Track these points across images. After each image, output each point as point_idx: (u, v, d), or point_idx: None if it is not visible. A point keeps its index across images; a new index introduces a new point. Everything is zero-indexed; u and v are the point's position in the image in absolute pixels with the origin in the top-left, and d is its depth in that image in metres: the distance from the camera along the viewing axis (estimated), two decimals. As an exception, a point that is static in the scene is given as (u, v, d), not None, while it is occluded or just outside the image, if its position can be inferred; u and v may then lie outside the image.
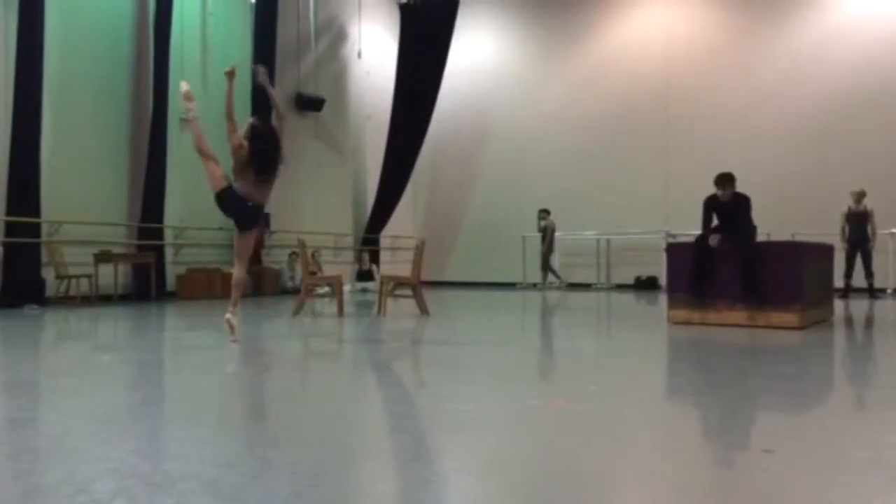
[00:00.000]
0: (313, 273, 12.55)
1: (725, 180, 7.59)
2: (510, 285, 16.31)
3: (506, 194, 16.86)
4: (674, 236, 13.19)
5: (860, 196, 11.97)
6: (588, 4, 16.35)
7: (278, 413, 3.72)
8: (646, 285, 15.10)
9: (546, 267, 15.20)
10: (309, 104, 15.01)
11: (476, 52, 17.59)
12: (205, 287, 12.12)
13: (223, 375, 4.89)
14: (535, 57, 17.05)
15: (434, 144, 17.36)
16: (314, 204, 15.11)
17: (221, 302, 11.57)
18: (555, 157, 16.41)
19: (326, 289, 12.26)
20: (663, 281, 9.33)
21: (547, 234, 15.04)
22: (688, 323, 7.53)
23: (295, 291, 12.46)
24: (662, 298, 8.42)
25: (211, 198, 6.05)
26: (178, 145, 11.94)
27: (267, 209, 13.84)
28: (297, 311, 8.88)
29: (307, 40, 15.25)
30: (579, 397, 3.93)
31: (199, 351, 6.08)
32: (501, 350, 6.10)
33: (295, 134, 14.90)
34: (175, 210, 12.27)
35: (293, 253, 13.35)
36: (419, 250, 9.23)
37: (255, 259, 13.29)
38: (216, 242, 12.91)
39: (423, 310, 8.85)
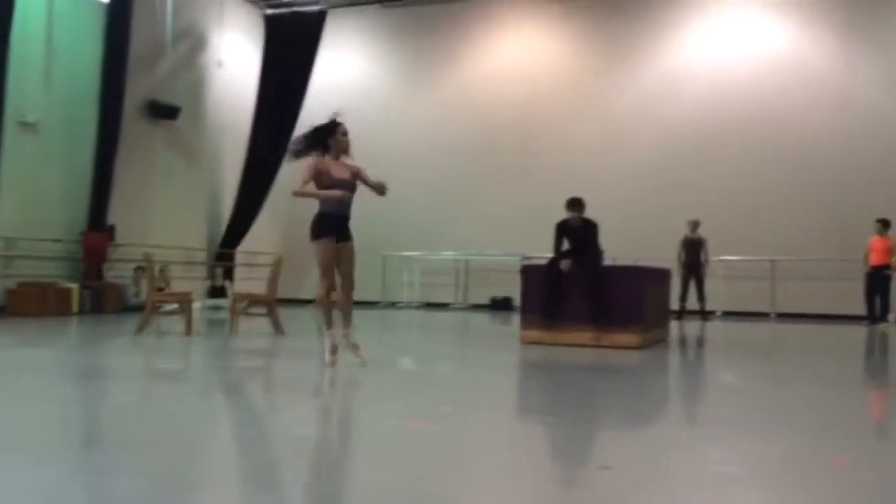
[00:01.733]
0: (161, 289, 11.94)
1: (575, 204, 7.95)
2: (371, 304, 16.26)
3: (369, 213, 16.79)
4: (529, 258, 13.64)
5: (695, 225, 12.92)
6: (455, 31, 16.71)
7: (110, 439, 3.49)
8: (501, 306, 15.51)
9: None
10: (163, 112, 14.36)
11: (343, 70, 17.51)
12: (38, 303, 11.24)
13: (52, 398, 4.53)
14: (402, 78, 17.21)
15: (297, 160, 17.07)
16: (165, 216, 14.42)
17: (56, 319, 10.79)
18: (418, 178, 16.58)
19: (174, 306, 11.68)
20: (518, 302, 9.68)
21: None
22: (539, 343, 7.78)
23: (140, 308, 11.80)
24: (516, 319, 8.69)
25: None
26: (14, 150, 11.04)
27: (112, 220, 13.26)
28: (140, 330, 8.41)
29: (163, 45, 14.60)
30: (432, 417, 3.95)
31: (26, 371, 5.61)
32: (364, 371, 6.05)
33: (146, 143, 14.19)
34: (8, 219, 11.32)
35: (139, 267, 12.66)
36: (276, 267, 9.01)
37: (97, 274, 12.50)
38: (53, 255, 12.02)
39: (278, 329, 8.63)
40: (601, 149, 15.32)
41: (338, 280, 5.85)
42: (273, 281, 8.89)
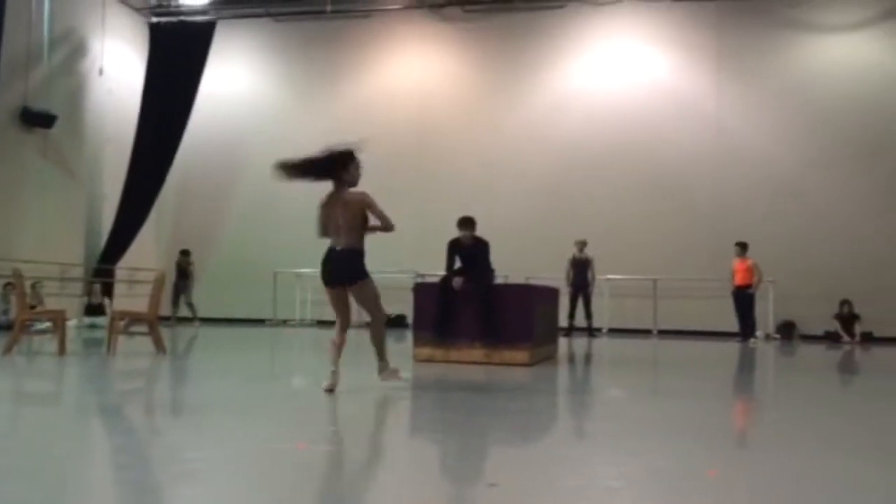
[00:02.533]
0: (33, 307, 11.25)
1: (466, 223, 8.05)
2: (260, 321, 15.85)
3: (258, 229, 16.43)
4: (423, 276, 13.68)
5: (583, 245, 13.38)
6: (349, 47, 16.63)
7: (-30, 470, 3.22)
8: (394, 323, 15.45)
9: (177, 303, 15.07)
10: (37, 120, 13.56)
11: (233, 82, 17.09)
12: None
13: None
14: (294, 92, 16.96)
15: (183, 173, 16.49)
16: (38, 230, 13.58)
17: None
18: (310, 195, 16.36)
19: (47, 324, 10.99)
20: (411, 319, 9.69)
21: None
22: (431, 360, 7.80)
23: (8, 327, 11.03)
24: (410, 336, 8.68)
25: None
26: None
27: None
28: (8, 350, 7.85)
29: (39, 50, 13.83)
30: (317, 438, 3.87)
31: None
32: (243, 390, 5.87)
33: (18, 151, 13.36)
34: None
35: (8, 284, 11.85)
36: (158, 284, 8.64)
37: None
38: None
39: (160, 348, 8.26)
40: (494, 169, 15.61)
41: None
42: (155, 298, 8.52)
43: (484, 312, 7.68)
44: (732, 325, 12.95)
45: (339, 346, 5.66)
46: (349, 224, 5.69)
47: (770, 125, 14.56)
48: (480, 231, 8.23)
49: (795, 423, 4.87)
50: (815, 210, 14.01)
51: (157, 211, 16.27)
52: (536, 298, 8.00)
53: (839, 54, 14.50)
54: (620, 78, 15.44)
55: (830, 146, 14.16)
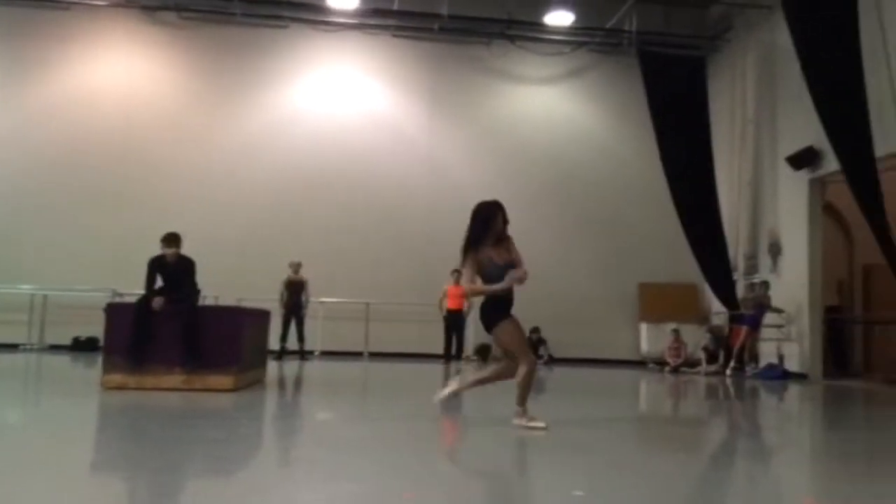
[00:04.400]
0: None
1: (171, 240, 7.54)
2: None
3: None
4: (121, 295, 12.55)
5: (297, 267, 13.22)
6: (44, 39, 14.86)
7: None
8: (85, 346, 13.98)
9: None
10: None
11: None
12: None
13: None
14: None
15: None
16: None
17: None
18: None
19: None
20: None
21: None
22: (124, 388, 7.10)
23: None
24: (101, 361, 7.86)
25: None
26: None
27: None
28: None
29: None
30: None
31: None
32: None
33: None
34: None
35: None
36: None
37: None
38: None
39: None
40: (207, 184, 14.90)
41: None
42: None
43: (186, 335, 7.20)
44: (438, 347, 13.65)
45: None
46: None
47: (474, 163, 15.68)
48: (188, 248, 7.75)
49: (498, 439, 5.18)
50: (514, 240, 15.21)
51: None
52: (244, 320, 7.69)
53: (535, 105, 16.13)
54: (340, 104, 15.64)
55: (525, 188, 15.54)
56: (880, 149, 10.35)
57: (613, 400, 8.95)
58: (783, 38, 11.81)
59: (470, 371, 12.27)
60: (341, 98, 15.70)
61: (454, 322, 13.47)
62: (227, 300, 11.60)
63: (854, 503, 3.63)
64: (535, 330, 14.78)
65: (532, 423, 5.25)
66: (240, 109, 15.41)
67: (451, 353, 13.51)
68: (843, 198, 11.67)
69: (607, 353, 15.14)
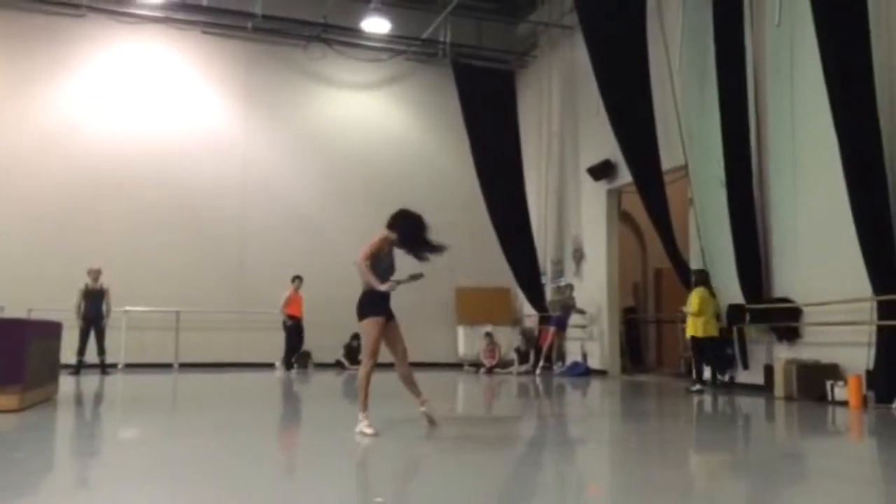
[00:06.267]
0: None
1: None
2: None
3: None
4: None
5: (97, 274, 12.26)
6: None
7: None
8: None
9: None
10: None
11: None
12: None
13: None
14: None
15: None
16: None
17: None
18: None
19: None
20: None
21: None
22: None
23: None
24: None
25: None
26: None
27: None
28: None
29: None
30: None
31: None
32: None
33: None
34: None
35: None
36: None
37: None
38: None
39: None
40: (-7, 185, 13.48)
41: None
42: None
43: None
44: (252, 355, 13.28)
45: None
46: None
47: (291, 163, 15.42)
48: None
49: (318, 446, 5.09)
50: (329, 247, 14.94)
51: None
52: (30, 333, 7.01)
53: (353, 109, 16.13)
54: (146, 99, 14.75)
55: (341, 192, 15.53)
56: (666, 162, 11.37)
57: (431, 401, 9.10)
58: (583, 57, 12.66)
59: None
60: (149, 94, 14.81)
61: (295, 329, 13.49)
62: (17, 311, 10.60)
63: (631, 489, 3.95)
64: (356, 336, 14.76)
65: (366, 429, 5.31)
66: (28, 103, 14.06)
67: (292, 361, 13.57)
68: (638, 206, 12.69)
69: (426, 356, 15.31)
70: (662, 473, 4.39)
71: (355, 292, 5.76)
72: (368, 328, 5.50)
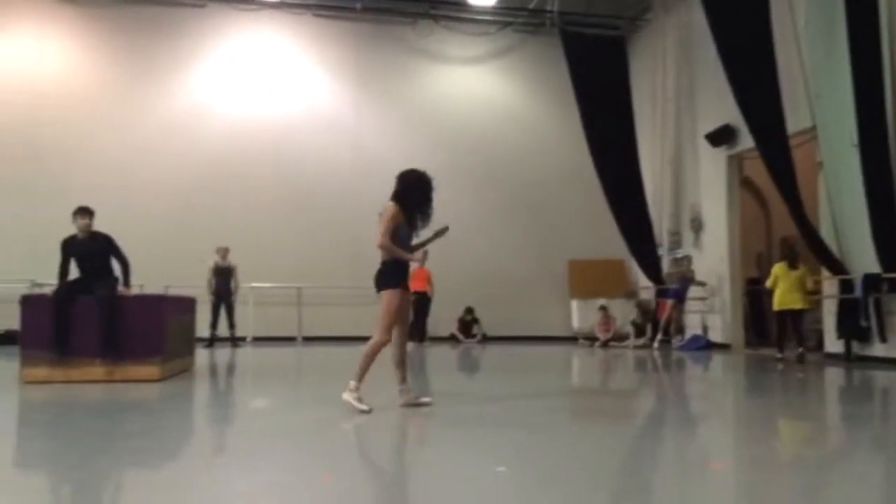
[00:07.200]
0: None
1: (81, 211, 7.37)
2: None
3: None
4: (40, 286, 12.10)
5: (225, 252, 12.98)
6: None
7: None
8: (5, 340, 13.45)
9: None
10: None
11: None
12: None
13: None
14: None
15: None
16: None
17: None
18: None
19: None
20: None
21: None
22: (47, 382, 6.89)
23: None
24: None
25: None
26: None
27: None
28: None
29: None
30: None
31: None
32: None
33: None
34: None
35: None
36: None
37: None
38: None
39: None
40: (126, 169, 14.42)
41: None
42: None
43: (104, 326, 6.99)
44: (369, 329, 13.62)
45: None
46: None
47: (401, 142, 15.60)
48: (120, 238, 7.55)
49: (423, 418, 5.22)
50: (440, 220, 15.17)
51: None
52: (168, 309, 7.53)
53: (461, 84, 16.15)
54: (264, 85, 15.34)
55: (453, 169, 15.51)
56: (792, 125, 10.76)
57: (544, 375, 9.13)
58: (700, 18, 12.11)
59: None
60: (264, 79, 15.39)
61: (419, 304, 13.64)
62: (155, 289, 11.34)
63: (758, 465, 3.82)
64: (469, 310, 14.94)
65: (359, 405, 5.12)
66: (157, 92, 14.94)
67: (417, 336, 13.72)
68: (761, 173, 12.11)
69: (539, 330, 15.40)
70: (789, 450, 4.23)
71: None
72: (389, 299, 5.28)
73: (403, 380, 5.49)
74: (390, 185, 5.71)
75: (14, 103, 14.23)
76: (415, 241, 5.59)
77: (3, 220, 13.93)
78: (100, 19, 14.77)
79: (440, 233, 5.61)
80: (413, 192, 5.50)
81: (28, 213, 13.92)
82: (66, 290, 7.17)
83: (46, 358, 6.99)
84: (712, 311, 13.50)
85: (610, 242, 15.22)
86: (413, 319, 14.09)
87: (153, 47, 14.85)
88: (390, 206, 5.42)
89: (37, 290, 11.50)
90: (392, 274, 5.35)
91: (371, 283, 5.42)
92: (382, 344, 5.30)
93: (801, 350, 10.02)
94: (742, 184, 13.55)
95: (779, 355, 10.22)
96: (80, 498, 3.13)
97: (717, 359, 11.32)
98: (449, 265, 14.93)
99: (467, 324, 14.98)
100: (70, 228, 7.59)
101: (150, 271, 12.63)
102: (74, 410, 5.61)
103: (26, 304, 7.32)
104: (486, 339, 14.88)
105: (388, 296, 5.29)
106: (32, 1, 14.59)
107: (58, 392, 6.46)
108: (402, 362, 5.52)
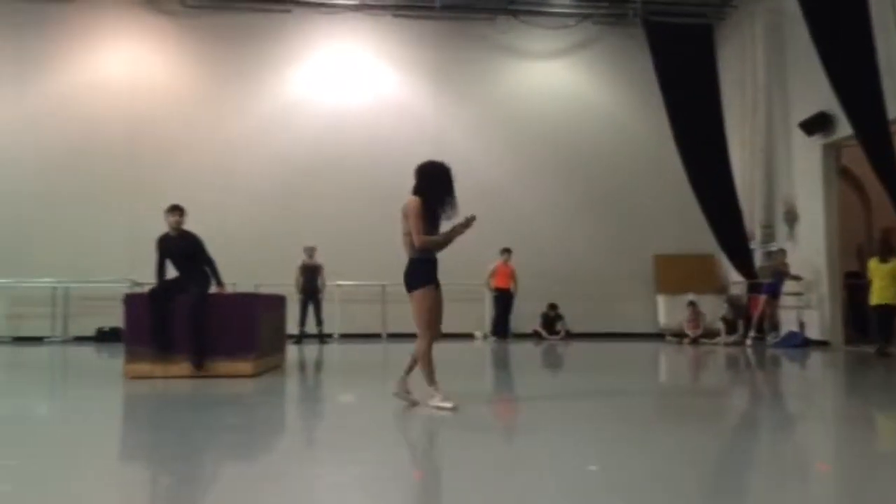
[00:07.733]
0: None
1: (172, 209, 7.61)
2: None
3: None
4: (140, 285, 12.70)
5: (312, 251, 13.31)
6: (49, 33, 14.94)
7: None
8: (109, 337, 14.16)
9: None
10: None
11: None
12: None
13: None
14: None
15: None
16: None
17: None
18: (3, 198, 14.49)
19: None
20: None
21: None
22: (149, 377, 7.22)
23: None
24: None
25: None
26: None
27: None
28: None
29: None
30: (-6, 477, 3.36)
31: None
32: None
33: None
34: None
35: None
36: None
37: None
38: None
39: None
40: (217, 172, 14.93)
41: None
42: None
43: (198, 323, 7.25)
44: (456, 326, 13.70)
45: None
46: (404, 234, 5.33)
47: (482, 139, 15.61)
48: (209, 239, 7.82)
49: (512, 415, 5.21)
50: (523, 220, 15.17)
51: None
52: (259, 306, 7.77)
53: (541, 79, 15.99)
54: (347, 87, 15.60)
55: (534, 164, 15.54)
56: (893, 111, 10.21)
57: (632, 373, 8.97)
58: (790, 3, 11.63)
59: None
60: (347, 81, 15.65)
61: (502, 301, 13.76)
62: (246, 287, 11.72)
63: (860, 465, 3.65)
64: (553, 306, 14.80)
65: (445, 404, 5.12)
66: (247, 96, 15.42)
67: (501, 331, 13.90)
68: (860, 162, 11.54)
69: (625, 326, 15.12)
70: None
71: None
72: (421, 298, 5.22)
73: (409, 371, 5.44)
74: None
75: (112, 111, 14.90)
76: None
77: (104, 223, 14.66)
78: (190, 28, 15.32)
79: (468, 222, 5.46)
80: (433, 184, 5.47)
81: (126, 215, 14.61)
82: (162, 288, 7.46)
83: (147, 354, 7.31)
84: (809, 307, 12.95)
85: (698, 237, 14.81)
86: (496, 316, 14.20)
87: (241, 53, 15.31)
88: (414, 202, 5.35)
89: (137, 290, 12.08)
90: (422, 273, 5.28)
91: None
92: (430, 342, 5.30)
93: (880, 345, 9.67)
94: (839, 173, 12.95)
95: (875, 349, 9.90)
96: (186, 489, 3.27)
97: (815, 356, 10.86)
98: (532, 261, 14.85)
99: (551, 320, 14.85)
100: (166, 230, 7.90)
101: (241, 269, 13.04)
102: (176, 405, 5.86)
103: (128, 303, 7.68)
104: (569, 336, 14.73)
105: (421, 295, 5.24)
106: (127, 13, 15.26)
107: (159, 387, 6.76)
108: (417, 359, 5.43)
